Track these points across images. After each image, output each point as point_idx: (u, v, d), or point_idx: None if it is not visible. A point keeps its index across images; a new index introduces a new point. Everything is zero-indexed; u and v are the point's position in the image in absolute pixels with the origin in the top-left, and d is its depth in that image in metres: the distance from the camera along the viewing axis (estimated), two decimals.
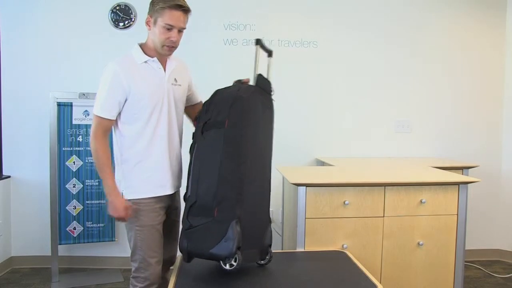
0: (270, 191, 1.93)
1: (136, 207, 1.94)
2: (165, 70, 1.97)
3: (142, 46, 1.96)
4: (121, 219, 1.93)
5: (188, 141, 1.94)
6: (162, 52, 1.93)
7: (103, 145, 1.93)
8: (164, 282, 2.05)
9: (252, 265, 1.90)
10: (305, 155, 3.74)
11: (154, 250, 1.98)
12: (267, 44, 1.99)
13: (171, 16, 1.84)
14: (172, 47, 1.91)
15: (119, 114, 1.93)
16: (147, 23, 1.92)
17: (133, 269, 2.00)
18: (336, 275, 1.92)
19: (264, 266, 1.91)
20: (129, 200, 1.95)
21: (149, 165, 1.96)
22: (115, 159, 2.02)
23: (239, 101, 1.76)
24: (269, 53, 2.01)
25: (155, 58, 1.94)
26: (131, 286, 2.00)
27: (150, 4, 1.90)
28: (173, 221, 2.14)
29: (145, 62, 1.92)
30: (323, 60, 3.76)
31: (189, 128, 2.06)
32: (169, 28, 1.86)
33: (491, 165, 3.89)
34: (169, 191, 2.01)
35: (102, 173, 1.94)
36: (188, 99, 2.15)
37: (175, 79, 2.00)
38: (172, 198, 2.08)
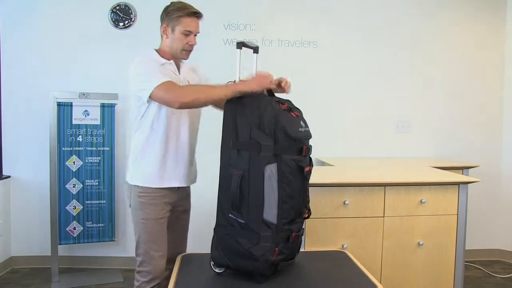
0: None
1: (141, 200, 2.01)
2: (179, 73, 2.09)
3: (158, 51, 2.06)
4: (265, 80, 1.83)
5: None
6: (181, 57, 2.06)
7: (183, 88, 1.91)
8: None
9: None
10: None
11: (158, 244, 2.03)
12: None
13: (188, 23, 1.99)
14: (190, 51, 2.05)
15: (144, 106, 1.97)
16: (164, 32, 2.03)
17: (137, 263, 2.05)
18: (336, 275, 1.91)
19: None
20: (134, 185, 2.02)
21: (157, 158, 2.01)
22: (133, 146, 2.07)
23: None
24: (255, 50, 1.98)
25: (171, 61, 2.05)
26: (135, 282, 2.05)
27: (163, 14, 2.03)
28: (179, 218, 2.18)
29: (163, 64, 2.02)
30: (323, 60, 3.76)
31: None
32: (187, 34, 2.00)
33: (491, 165, 3.89)
34: (173, 184, 2.05)
35: (212, 90, 1.85)
36: None
37: (188, 81, 2.10)
38: (177, 196, 2.11)
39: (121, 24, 3.58)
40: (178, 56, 2.05)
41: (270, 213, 1.65)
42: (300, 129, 1.72)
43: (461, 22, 3.89)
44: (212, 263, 1.83)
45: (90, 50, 3.56)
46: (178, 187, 2.10)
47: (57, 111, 3.28)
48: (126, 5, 3.57)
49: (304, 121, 1.77)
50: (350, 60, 3.80)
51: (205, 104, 1.96)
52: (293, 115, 1.72)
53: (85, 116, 3.37)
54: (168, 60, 2.04)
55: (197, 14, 2.01)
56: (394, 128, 3.87)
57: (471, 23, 3.90)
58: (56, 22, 3.54)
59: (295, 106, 1.81)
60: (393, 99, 3.86)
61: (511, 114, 3.91)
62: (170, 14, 1.99)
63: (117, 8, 3.56)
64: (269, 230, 1.66)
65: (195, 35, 2.03)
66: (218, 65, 3.67)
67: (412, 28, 3.83)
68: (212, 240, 1.81)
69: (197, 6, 1.97)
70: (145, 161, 2.02)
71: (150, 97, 1.89)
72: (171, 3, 2.03)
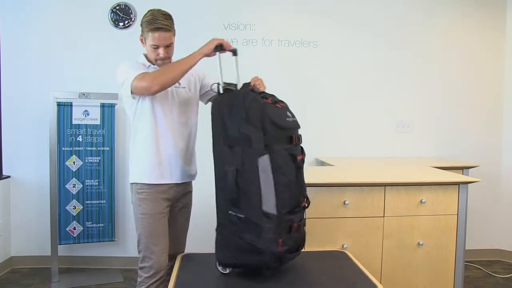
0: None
1: (140, 196, 2.07)
2: None
3: (146, 55, 2.14)
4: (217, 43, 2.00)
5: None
6: (158, 65, 2.10)
7: (154, 73, 1.97)
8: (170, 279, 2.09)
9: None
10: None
11: (157, 238, 2.06)
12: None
13: (154, 38, 2.02)
14: (163, 60, 2.08)
15: (134, 107, 2.06)
16: (141, 41, 2.11)
17: (139, 260, 2.08)
18: (336, 275, 1.91)
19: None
20: (132, 183, 2.11)
21: (150, 156, 2.07)
22: (131, 146, 2.15)
23: None
24: (234, 52, 2.03)
25: (155, 66, 2.11)
26: (138, 278, 2.08)
27: (140, 25, 2.08)
28: (178, 214, 2.20)
29: (148, 67, 2.10)
30: (323, 60, 3.76)
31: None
32: (155, 47, 2.04)
33: (491, 165, 3.89)
34: (167, 180, 2.09)
35: (180, 65, 1.96)
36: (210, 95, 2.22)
37: (178, 82, 2.11)
38: (176, 192, 2.14)
39: (121, 24, 3.58)
40: (157, 64, 2.10)
41: (269, 204, 1.66)
42: (287, 119, 1.76)
43: (461, 22, 3.89)
44: (218, 264, 1.82)
45: (90, 50, 3.56)
46: (176, 183, 2.13)
47: (57, 111, 3.28)
48: (126, 5, 3.57)
49: (291, 112, 1.81)
50: (350, 60, 3.80)
51: (179, 78, 2.00)
52: (279, 106, 1.77)
53: (85, 116, 3.37)
54: (153, 65, 2.10)
55: (162, 29, 2.00)
56: (395, 128, 3.87)
57: (471, 23, 3.90)
58: (56, 22, 3.54)
59: (279, 99, 1.84)
60: (393, 99, 3.86)
61: (511, 114, 3.92)
62: (142, 27, 2.06)
63: (117, 8, 3.57)
64: (270, 221, 1.66)
65: (168, 47, 2.06)
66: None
67: (412, 28, 3.83)
68: (216, 241, 1.81)
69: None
70: (141, 159, 2.08)
71: (132, 92, 1.96)
72: (147, 11, 2.06)
